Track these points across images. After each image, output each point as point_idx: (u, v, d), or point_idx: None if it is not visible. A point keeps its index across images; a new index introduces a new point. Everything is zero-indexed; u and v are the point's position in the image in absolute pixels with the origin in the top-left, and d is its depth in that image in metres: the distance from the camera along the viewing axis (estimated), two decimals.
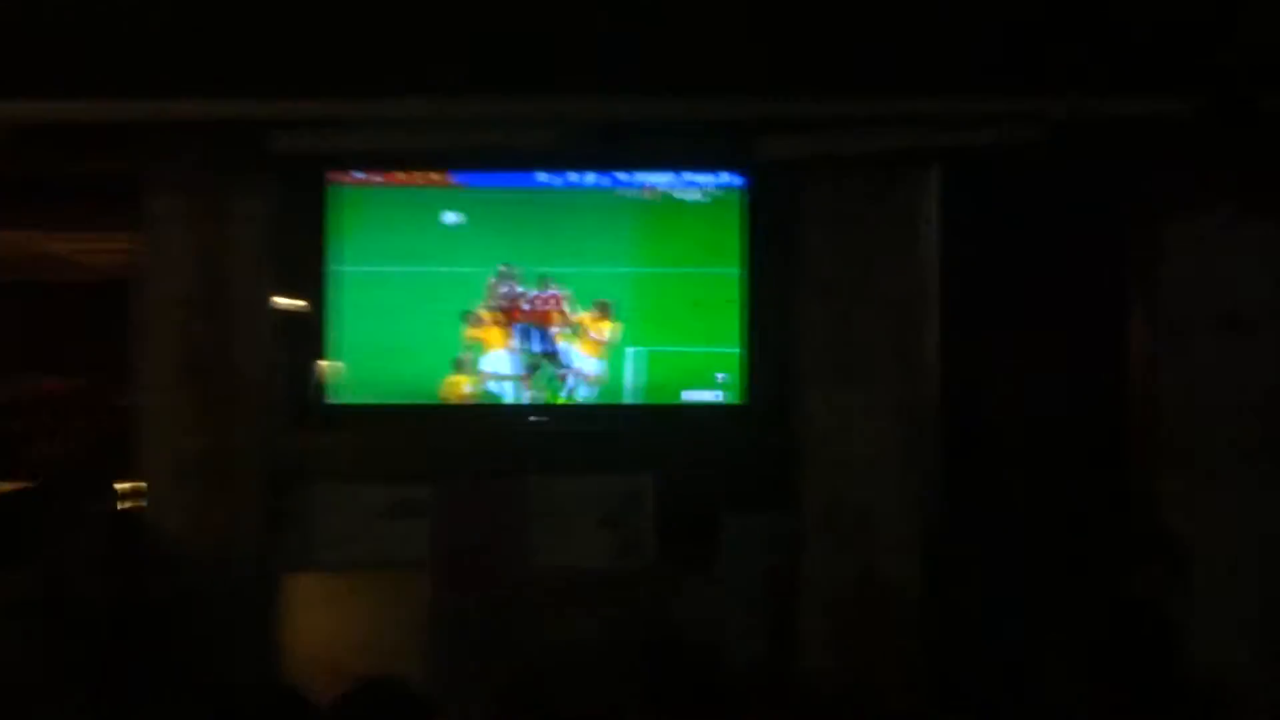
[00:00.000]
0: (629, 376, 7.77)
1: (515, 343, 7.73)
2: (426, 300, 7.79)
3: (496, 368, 7.73)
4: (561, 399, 7.78)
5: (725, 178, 7.84)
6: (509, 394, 7.74)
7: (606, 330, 7.76)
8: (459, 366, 7.74)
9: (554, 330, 7.74)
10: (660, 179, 7.86)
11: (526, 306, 7.72)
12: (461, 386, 7.74)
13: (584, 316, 7.74)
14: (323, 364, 7.70)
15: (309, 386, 7.74)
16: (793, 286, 7.53)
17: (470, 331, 7.70)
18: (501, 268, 7.73)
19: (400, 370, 7.76)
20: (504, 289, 7.73)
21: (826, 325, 7.42)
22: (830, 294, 7.41)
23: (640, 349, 7.75)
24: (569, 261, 7.81)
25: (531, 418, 7.83)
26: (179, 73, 6.99)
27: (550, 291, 7.73)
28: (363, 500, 7.51)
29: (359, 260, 7.79)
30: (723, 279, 7.77)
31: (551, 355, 7.75)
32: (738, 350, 7.76)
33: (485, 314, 7.72)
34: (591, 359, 7.78)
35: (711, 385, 7.76)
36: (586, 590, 7.49)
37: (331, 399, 7.74)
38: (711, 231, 7.80)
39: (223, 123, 7.17)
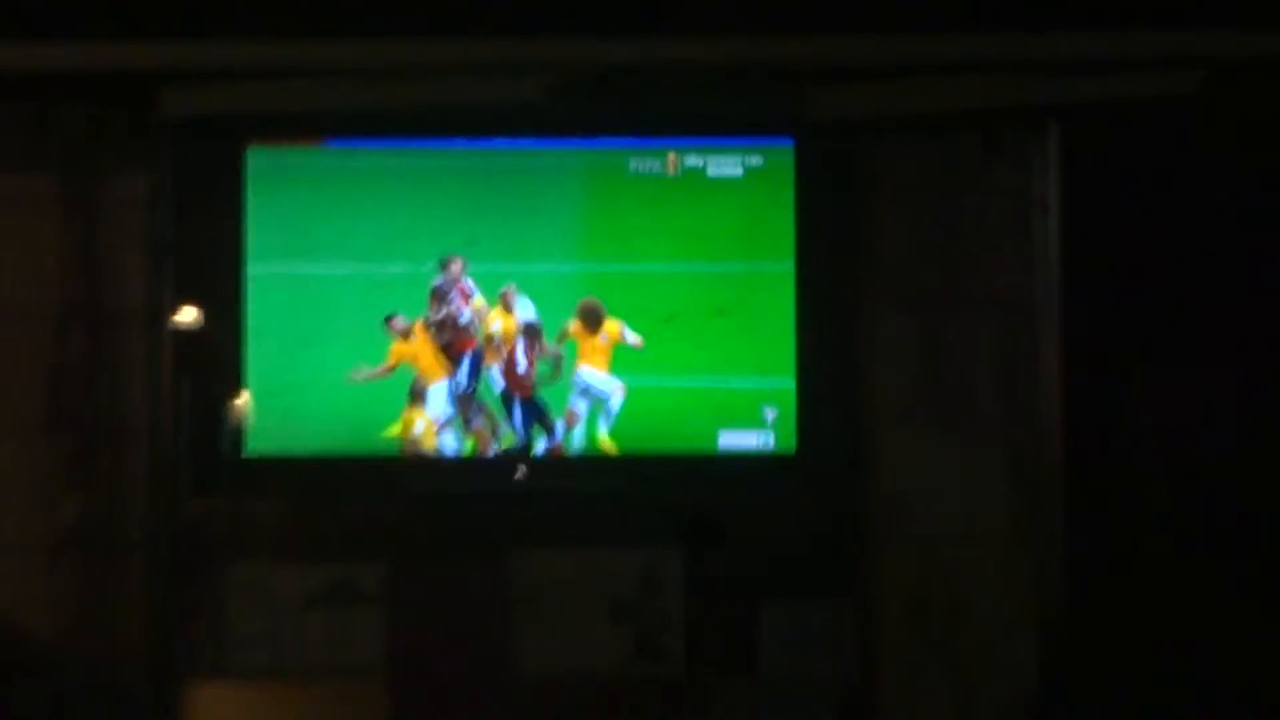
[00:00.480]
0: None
1: (457, 377, 6.68)
2: (362, 309, 6.71)
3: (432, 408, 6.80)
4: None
5: (767, 147, 6.79)
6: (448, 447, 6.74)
7: (613, 333, 6.70)
8: (415, 398, 6.72)
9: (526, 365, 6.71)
10: (681, 146, 6.86)
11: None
12: (413, 427, 6.74)
13: (573, 328, 6.70)
14: (238, 402, 6.73)
15: (218, 433, 6.70)
16: (861, 291, 6.77)
17: (397, 347, 6.67)
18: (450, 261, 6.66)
19: (335, 407, 6.68)
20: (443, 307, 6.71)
21: (907, 344, 6.70)
22: (912, 301, 6.71)
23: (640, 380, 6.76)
24: (543, 254, 6.75)
25: (518, 473, 6.70)
26: (35, 11, 6.24)
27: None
28: (290, 585, 6.70)
29: (273, 256, 6.68)
30: (766, 278, 6.74)
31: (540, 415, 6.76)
32: (782, 382, 6.70)
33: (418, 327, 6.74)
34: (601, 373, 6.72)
35: (754, 422, 6.66)
36: (590, 704, 6.69)
37: (249, 451, 6.75)
38: (749, 217, 6.78)
39: (96, 75, 6.41)
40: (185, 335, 6.78)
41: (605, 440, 6.72)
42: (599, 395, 6.82)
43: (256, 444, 6.63)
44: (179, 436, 6.79)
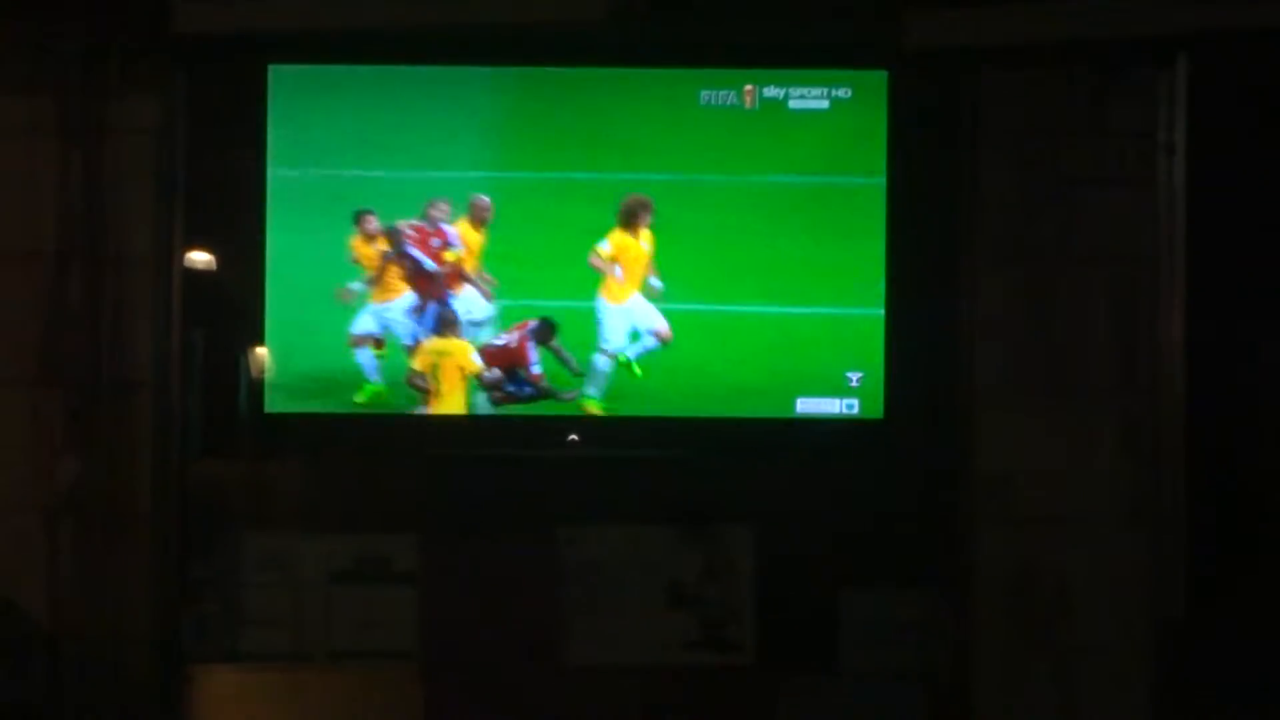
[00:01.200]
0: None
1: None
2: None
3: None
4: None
5: (857, 78, 6.35)
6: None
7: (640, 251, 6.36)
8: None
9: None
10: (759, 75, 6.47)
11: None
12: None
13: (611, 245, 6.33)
14: (258, 352, 6.41)
15: (234, 388, 6.67)
16: (960, 243, 6.46)
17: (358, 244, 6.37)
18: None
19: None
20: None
21: (1013, 304, 6.35)
22: (1019, 256, 6.34)
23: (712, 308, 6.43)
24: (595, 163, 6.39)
25: (571, 436, 6.43)
26: None
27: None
28: (311, 559, 6.49)
29: (294, 193, 6.34)
30: (859, 191, 6.37)
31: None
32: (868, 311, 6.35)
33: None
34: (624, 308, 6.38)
35: (839, 389, 6.29)
36: (645, 698, 6.43)
37: (269, 407, 6.44)
38: (835, 154, 6.33)
39: None
40: (198, 279, 6.65)
41: (637, 369, 6.57)
42: (636, 330, 6.44)
43: (277, 400, 6.46)
44: (190, 391, 6.62)
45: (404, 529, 6.59)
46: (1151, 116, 6.36)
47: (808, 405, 6.51)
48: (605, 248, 6.37)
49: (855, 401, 6.49)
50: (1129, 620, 6.35)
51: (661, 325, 6.55)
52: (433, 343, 6.36)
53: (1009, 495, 6.42)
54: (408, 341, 6.43)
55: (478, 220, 6.41)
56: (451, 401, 6.36)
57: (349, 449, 6.70)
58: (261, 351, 6.58)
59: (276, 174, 6.50)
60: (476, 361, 6.32)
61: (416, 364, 6.35)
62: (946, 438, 6.59)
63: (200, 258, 6.69)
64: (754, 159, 6.56)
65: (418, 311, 6.45)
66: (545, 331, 6.36)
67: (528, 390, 6.48)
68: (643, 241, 6.47)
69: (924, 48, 6.33)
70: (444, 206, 6.42)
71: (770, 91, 6.53)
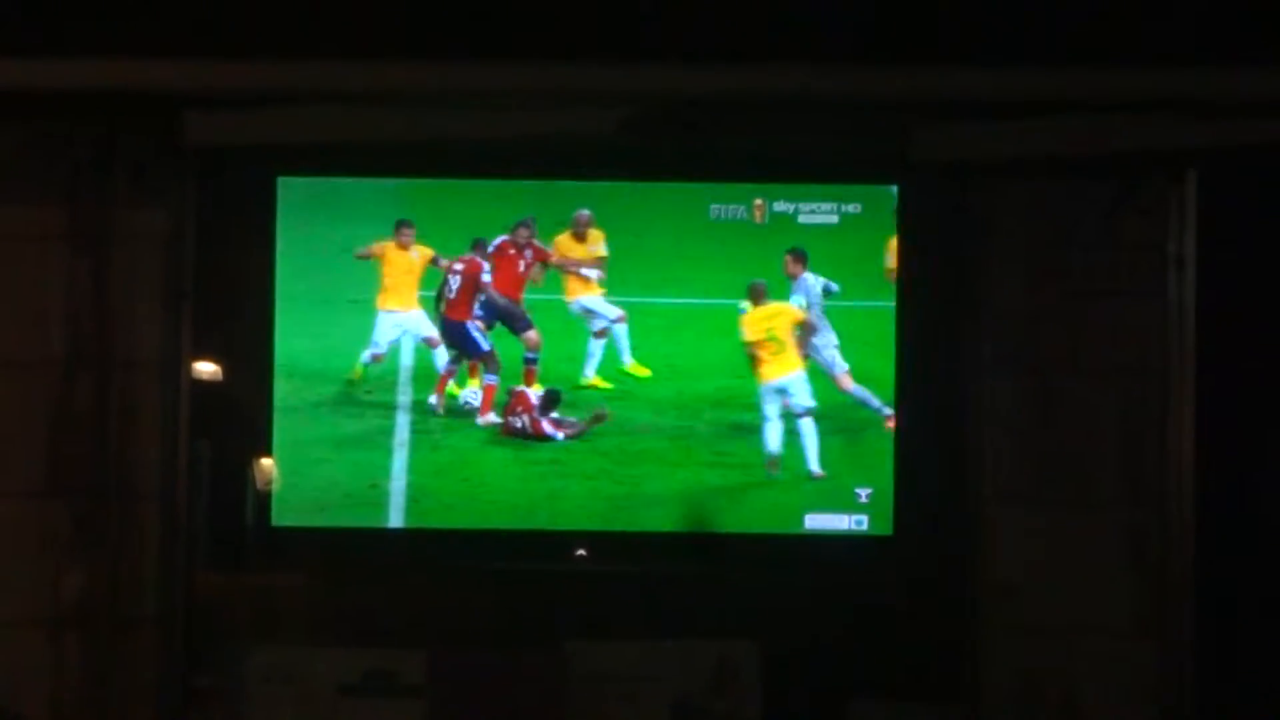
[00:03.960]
0: None
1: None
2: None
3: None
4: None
5: (867, 192, 6.57)
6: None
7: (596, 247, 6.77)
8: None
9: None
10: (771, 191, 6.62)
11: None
12: None
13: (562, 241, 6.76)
14: (265, 464, 6.51)
15: (243, 500, 6.67)
16: (967, 352, 6.48)
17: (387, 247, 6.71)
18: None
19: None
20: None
21: (1021, 413, 6.35)
22: (1027, 365, 6.39)
23: None
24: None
25: (579, 551, 6.57)
26: (42, 25, 5.94)
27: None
28: (322, 672, 6.32)
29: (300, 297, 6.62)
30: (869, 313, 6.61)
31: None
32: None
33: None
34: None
35: (847, 505, 6.43)
36: None
37: (276, 520, 6.59)
38: (844, 270, 6.60)
39: (110, 96, 6.01)
40: (205, 388, 6.64)
41: (634, 366, 6.66)
42: (602, 319, 6.75)
43: (285, 513, 6.50)
44: (196, 501, 6.61)
45: (411, 643, 6.49)
46: (1161, 229, 6.39)
47: (816, 521, 6.62)
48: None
49: (864, 517, 6.59)
50: None
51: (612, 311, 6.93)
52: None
53: (1016, 605, 6.39)
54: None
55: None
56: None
57: (356, 563, 6.72)
58: (268, 463, 6.62)
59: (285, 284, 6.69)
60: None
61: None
62: (954, 550, 6.60)
63: (207, 367, 6.69)
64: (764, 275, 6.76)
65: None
66: (549, 402, 6.68)
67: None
68: (590, 246, 6.75)
69: (931, 161, 6.39)
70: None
71: (780, 206, 6.61)
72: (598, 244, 6.78)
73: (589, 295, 6.91)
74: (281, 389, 6.60)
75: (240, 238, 6.78)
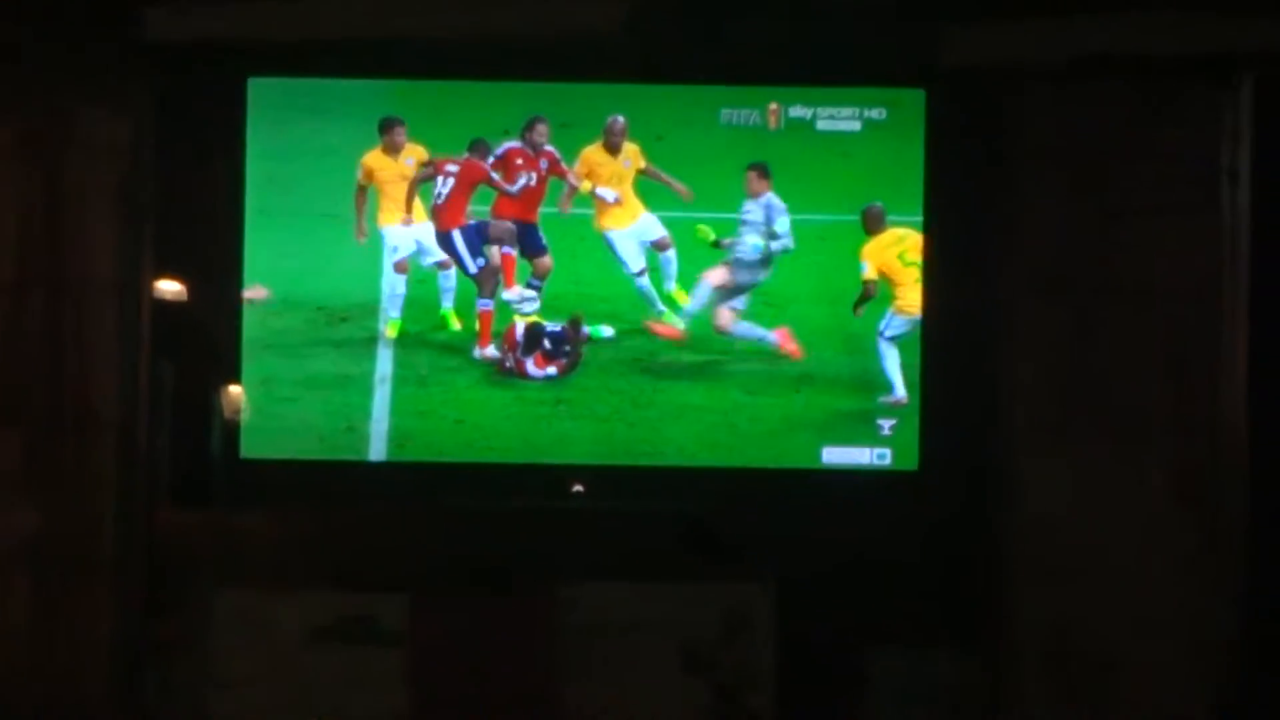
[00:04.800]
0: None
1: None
2: None
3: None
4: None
5: (892, 97, 6.25)
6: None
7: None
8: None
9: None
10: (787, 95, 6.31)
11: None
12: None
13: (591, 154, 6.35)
14: (232, 391, 6.29)
15: (208, 431, 6.44)
16: (999, 273, 6.23)
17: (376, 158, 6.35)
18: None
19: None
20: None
21: (1056, 340, 6.11)
22: (1063, 286, 6.13)
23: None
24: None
25: (576, 488, 6.35)
26: None
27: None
28: (293, 617, 6.25)
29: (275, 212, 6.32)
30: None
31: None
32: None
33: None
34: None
35: (869, 437, 6.14)
36: None
37: (246, 452, 6.33)
38: (865, 179, 6.19)
39: None
40: (169, 310, 6.47)
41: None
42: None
43: (255, 445, 6.35)
44: (158, 432, 6.45)
45: (391, 587, 6.42)
46: (1212, 141, 6.19)
47: (835, 455, 6.44)
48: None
49: (887, 451, 6.38)
50: (1181, 680, 6.12)
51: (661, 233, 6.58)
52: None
53: (1050, 548, 6.22)
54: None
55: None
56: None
57: (333, 500, 6.52)
58: (236, 390, 6.37)
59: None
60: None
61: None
62: (982, 485, 6.43)
63: (170, 286, 6.51)
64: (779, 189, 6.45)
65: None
66: (532, 340, 6.32)
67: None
68: (624, 160, 6.41)
69: (964, 64, 6.22)
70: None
71: (797, 111, 6.42)
72: (635, 158, 6.40)
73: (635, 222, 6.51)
74: (252, 316, 6.27)
75: (207, 147, 6.45)
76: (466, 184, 6.43)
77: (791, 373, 6.32)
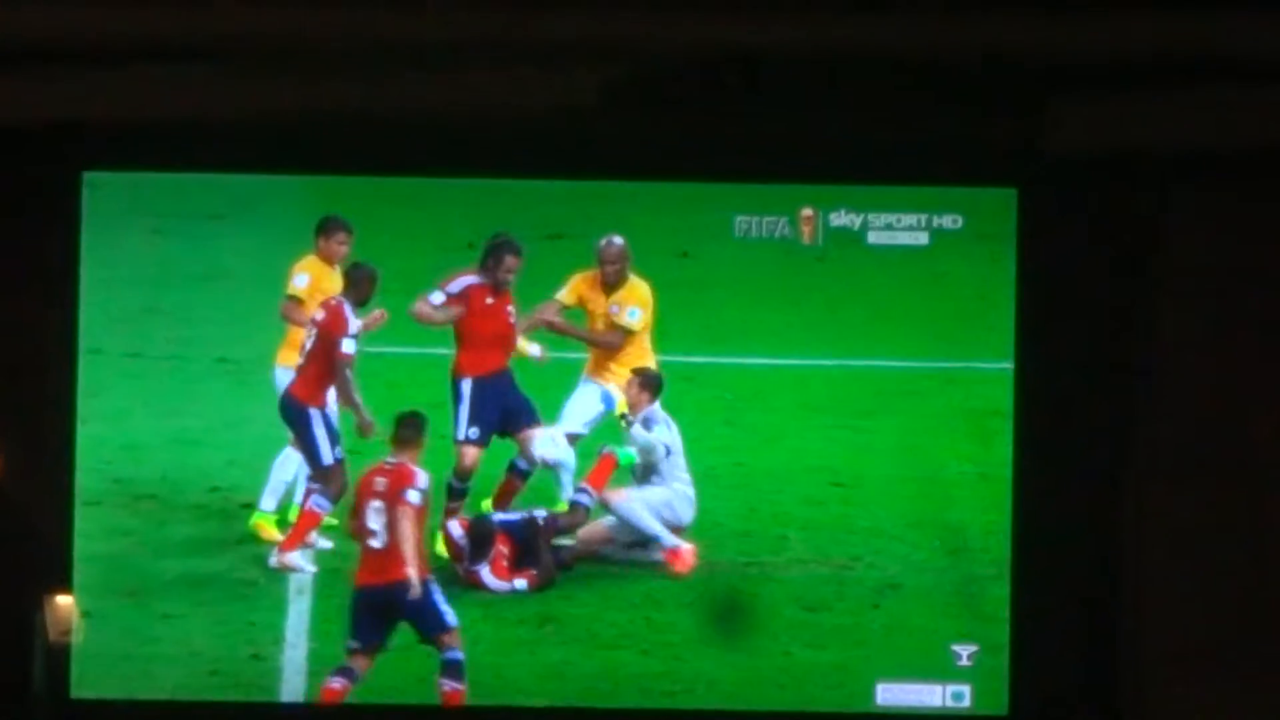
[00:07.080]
0: None
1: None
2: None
3: None
4: None
5: (969, 198, 5.09)
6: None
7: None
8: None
9: None
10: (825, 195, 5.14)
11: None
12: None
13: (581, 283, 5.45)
14: (62, 605, 4.96)
15: (29, 660, 5.07)
16: (1126, 457, 5.04)
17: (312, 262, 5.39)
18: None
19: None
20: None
21: (1195, 531, 5.11)
22: (1206, 471, 5.19)
23: None
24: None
25: None
26: None
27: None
28: None
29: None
30: (981, 379, 5.20)
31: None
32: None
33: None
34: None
35: (941, 670, 4.91)
36: None
37: (78, 691, 5.06)
38: (934, 313, 5.15)
39: None
40: None
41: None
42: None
43: (88, 681, 5.07)
44: None
45: None
46: None
47: (893, 694, 5.40)
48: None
49: (965, 689, 5.30)
50: None
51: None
52: None
53: None
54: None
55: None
56: None
57: None
58: (67, 604, 5.16)
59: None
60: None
61: None
62: None
63: None
64: (811, 327, 5.49)
65: None
66: (480, 541, 5.19)
67: None
68: (613, 306, 5.58)
69: (1079, 150, 4.89)
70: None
71: (840, 219, 5.49)
72: (637, 302, 5.43)
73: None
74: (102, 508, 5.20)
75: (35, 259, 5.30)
76: (327, 340, 5.30)
77: None
